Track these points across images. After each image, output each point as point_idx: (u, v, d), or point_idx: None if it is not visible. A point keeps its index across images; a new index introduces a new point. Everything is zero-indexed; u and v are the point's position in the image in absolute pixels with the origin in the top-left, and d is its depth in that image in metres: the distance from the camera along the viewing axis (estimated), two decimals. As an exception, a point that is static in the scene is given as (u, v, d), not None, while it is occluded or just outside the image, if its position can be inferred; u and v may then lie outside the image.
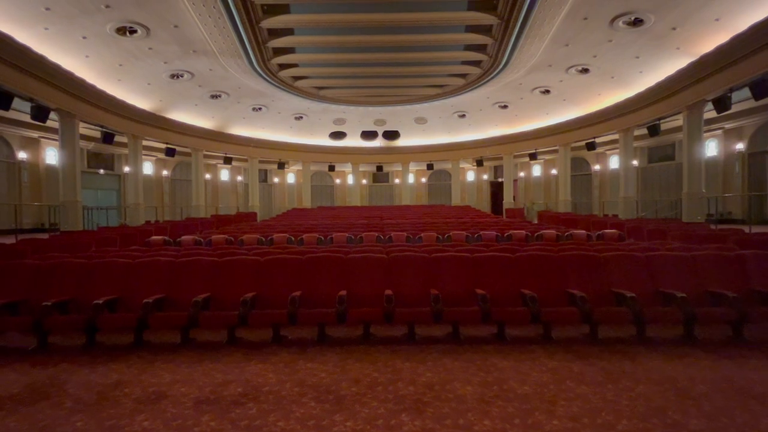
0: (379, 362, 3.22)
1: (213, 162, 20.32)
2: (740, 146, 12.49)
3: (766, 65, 8.18)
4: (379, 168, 23.04)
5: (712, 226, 8.88)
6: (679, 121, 13.24)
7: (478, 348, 3.54)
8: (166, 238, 7.14)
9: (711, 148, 13.50)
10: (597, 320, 3.69)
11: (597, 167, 18.68)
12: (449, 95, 15.29)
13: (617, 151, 17.69)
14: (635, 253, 4.37)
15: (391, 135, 19.92)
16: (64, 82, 9.97)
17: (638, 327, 3.75)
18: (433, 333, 3.94)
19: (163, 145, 15.67)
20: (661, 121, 12.38)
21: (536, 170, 21.54)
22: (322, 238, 7.36)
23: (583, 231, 7.21)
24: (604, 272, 4.08)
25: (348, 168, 23.35)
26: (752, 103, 11.13)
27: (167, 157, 17.46)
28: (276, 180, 24.25)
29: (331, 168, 22.45)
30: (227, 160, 18.51)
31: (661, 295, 3.88)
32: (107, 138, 12.59)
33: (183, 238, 7.12)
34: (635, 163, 15.35)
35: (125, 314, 3.79)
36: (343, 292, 3.80)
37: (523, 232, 7.33)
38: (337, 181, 25.79)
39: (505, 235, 7.35)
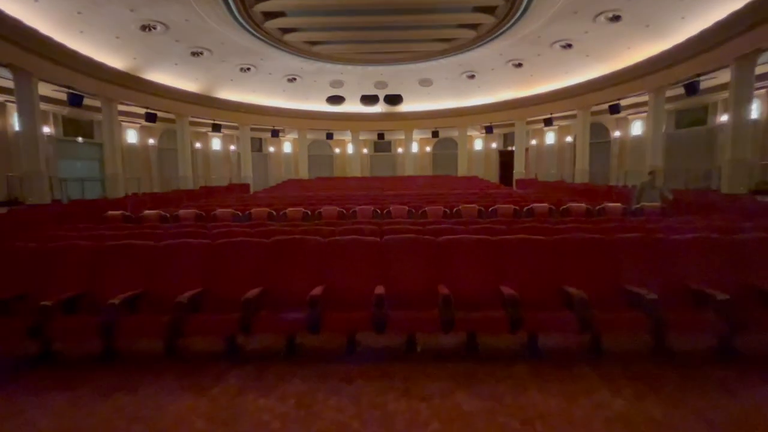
0: (362, 399, 2.22)
1: (203, 130, 18.99)
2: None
3: None
4: (381, 136, 21.60)
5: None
6: (714, 80, 11.74)
7: (505, 369, 2.53)
8: (126, 213, 6.10)
9: (752, 110, 11.98)
10: (671, 327, 2.65)
11: (617, 134, 17.17)
12: (458, 51, 13.67)
13: (640, 115, 16.18)
14: (712, 235, 3.26)
15: (394, 99, 18.38)
16: (11, 31, 8.60)
17: (726, 336, 2.70)
18: (442, 342, 2.93)
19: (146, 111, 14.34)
20: (701, 78, 10.83)
21: (549, 138, 20.03)
22: (309, 212, 6.29)
23: (618, 204, 6.07)
24: (674, 262, 2.99)
25: (347, 136, 21.94)
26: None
27: (153, 124, 16.19)
28: (272, 149, 22.95)
29: (329, 136, 21.05)
30: (216, 127, 17.19)
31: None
32: (74, 100, 11.31)
33: (146, 213, 6.08)
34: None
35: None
36: (318, 290, 2.77)
37: (546, 205, 6.20)
38: (337, 150, 24.44)
39: (524, 209, 6.23)
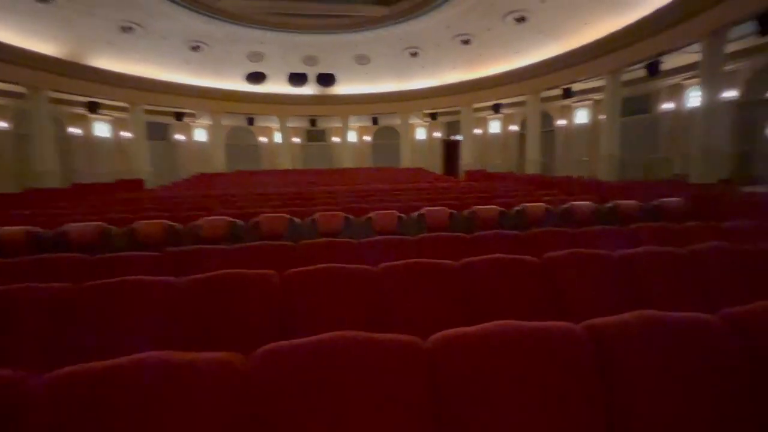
0: None
1: (81, 111, 14.76)
2: (734, 94, 10.70)
3: None
4: (313, 122, 18.95)
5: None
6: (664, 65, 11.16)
7: None
8: None
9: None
10: None
11: (562, 122, 16.55)
12: (400, 19, 11.66)
13: (584, 103, 15.66)
14: None
15: (326, 79, 15.87)
16: None
17: None
18: None
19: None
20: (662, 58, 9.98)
21: (493, 126, 19.01)
22: (180, 226, 3.79)
23: (633, 201, 4.46)
24: None
25: (275, 123, 18.94)
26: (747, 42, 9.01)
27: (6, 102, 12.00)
28: (181, 137, 19.09)
29: (250, 122, 17.92)
30: (92, 107, 13.25)
31: None
32: None
33: None
34: (603, 117, 13.22)
35: None
36: None
37: (541, 205, 4.39)
38: (263, 139, 21.23)
39: (513, 210, 4.37)
